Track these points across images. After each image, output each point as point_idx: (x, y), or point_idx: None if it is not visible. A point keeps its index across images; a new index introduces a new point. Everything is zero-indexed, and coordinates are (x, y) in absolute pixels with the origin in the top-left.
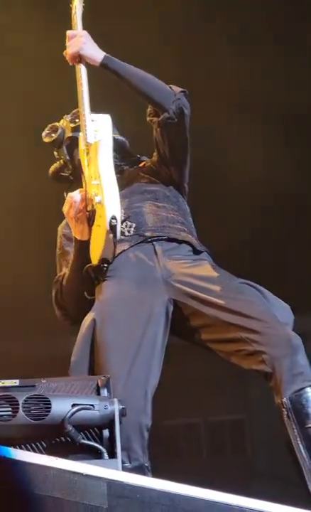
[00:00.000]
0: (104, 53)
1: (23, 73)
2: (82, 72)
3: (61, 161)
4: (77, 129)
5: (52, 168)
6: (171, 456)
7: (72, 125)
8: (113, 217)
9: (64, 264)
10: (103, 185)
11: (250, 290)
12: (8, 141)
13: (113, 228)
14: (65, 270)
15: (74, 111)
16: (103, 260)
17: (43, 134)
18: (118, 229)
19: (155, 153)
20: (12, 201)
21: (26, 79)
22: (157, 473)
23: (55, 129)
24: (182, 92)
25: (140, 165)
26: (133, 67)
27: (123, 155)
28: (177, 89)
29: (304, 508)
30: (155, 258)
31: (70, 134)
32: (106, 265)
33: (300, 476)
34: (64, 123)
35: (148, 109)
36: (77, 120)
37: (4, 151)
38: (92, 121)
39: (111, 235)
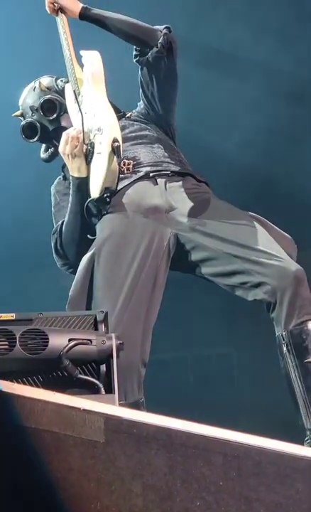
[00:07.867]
0: (82, 4)
1: None
2: (64, 20)
3: (52, 149)
4: (54, 121)
5: (45, 157)
6: (159, 391)
7: (50, 118)
8: (115, 140)
9: (60, 219)
10: (100, 114)
11: (253, 222)
12: None
13: (115, 150)
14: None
15: (44, 98)
16: (106, 190)
17: (25, 136)
18: (121, 151)
19: (140, 103)
20: None
21: None
22: (147, 408)
23: (32, 127)
24: (166, 27)
25: (127, 116)
26: (112, 12)
27: None
28: (160, 26)
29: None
30: (157, 192)
31: (53, 127)
32: (109, 195)
33: (296, 408)
34: (36, 115)
35: (134, 52)
36: (54, 114)
37: None
38: (81, 56)
39: (114, 157)
